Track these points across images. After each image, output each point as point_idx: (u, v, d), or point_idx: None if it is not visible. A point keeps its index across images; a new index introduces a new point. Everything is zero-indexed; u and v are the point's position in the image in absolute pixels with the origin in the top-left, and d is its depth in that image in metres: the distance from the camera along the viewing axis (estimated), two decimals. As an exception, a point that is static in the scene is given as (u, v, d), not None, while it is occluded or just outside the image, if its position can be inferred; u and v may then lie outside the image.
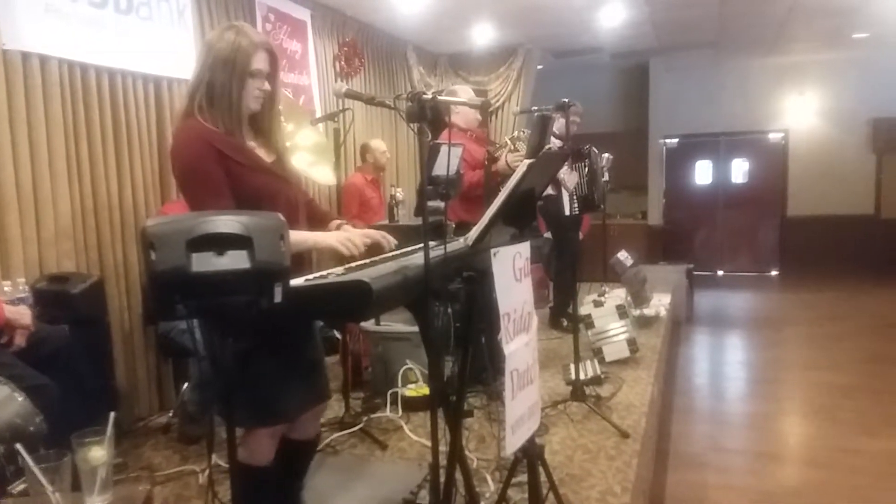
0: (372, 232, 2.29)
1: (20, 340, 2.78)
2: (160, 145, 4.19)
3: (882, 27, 7.87)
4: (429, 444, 3.30)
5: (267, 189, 2.12)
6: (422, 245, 1.89)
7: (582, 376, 4.02)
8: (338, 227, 2.36)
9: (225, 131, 2.07)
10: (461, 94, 4.20)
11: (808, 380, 5.52)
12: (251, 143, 2.19)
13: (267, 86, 2.14)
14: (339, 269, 1.95)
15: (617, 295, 5.21)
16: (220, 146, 2.03)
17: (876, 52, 9.26)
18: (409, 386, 4.02)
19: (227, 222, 1.49)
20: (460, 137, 4.20)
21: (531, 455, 2.27)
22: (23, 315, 2.81)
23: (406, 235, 2.42)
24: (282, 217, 1.62)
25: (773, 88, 10.30)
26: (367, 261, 2.10)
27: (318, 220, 2.38)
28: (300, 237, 2.09)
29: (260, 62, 2.11)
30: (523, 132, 4.20)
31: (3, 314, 2.74)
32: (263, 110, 2.19)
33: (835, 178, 10.07)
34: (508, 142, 4.16)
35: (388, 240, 2.30)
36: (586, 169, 4.95)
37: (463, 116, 4.26)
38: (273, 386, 2.12)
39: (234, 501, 1.75)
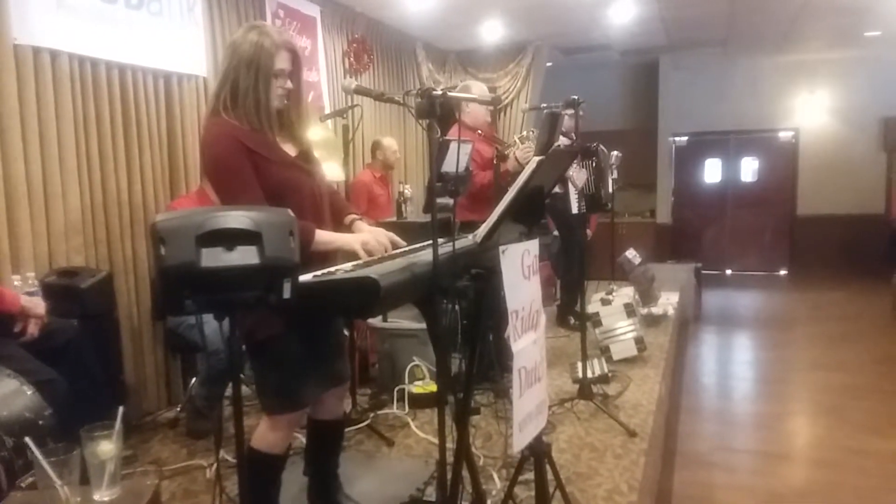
0: (392, 237, 2.31)
1: (33, 329, 2.84)
2: (170, 141, 4.20)
3: (894, 26, 7.81)
4: (435, 440, 3.32)
5: (291, 182, 2.20)
6: (430, 242, 1.89)
7: (589, 374, 4.02)
8: (350, 223, 2.43)
9: (250, 128, 2.15)
10: (474, 90, 4.18)
11: (816, 380, 5.49)
12: (276, 138, 2.26)
13: (290, 84, 2.22)
14: (348, 266, 1.95)
15: (625, 293, 5.19)
16: (245, 141, 2.12)
17: (888, 50, 9.19)
18: (416, 383, 4.03)
19: (236, 218, 1.49)
20: (468, 136, 4.18)
21: (538, 453, 2.26)
22: (37, 305, 2.89)
23: (414, 232, 2.44)
24: (291, 213, 1.63)
25: (783, 87, 10.24)
26: (376, 257, 2.11)
27: (336, 212, 2.45)
28: (329, 237, 2.20)
29: (282, 62, 2.18)
30: (532, 132, 4.19)
31: (19, 302, 2.82)
32: (288, 107, 2.27)
33: (845, 177, 10.01)
34: (517, 140, 4.14)
35: (398, 243, 2.33)
36: (594, 167, 4.93)
37: (472, 115, 4.23)
38: (296, 373, 2.21)
39: (244, 488, 1.77)
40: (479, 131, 4.25)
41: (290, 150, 2.28)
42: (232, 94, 2.15)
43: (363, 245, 2.18)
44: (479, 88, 4.33)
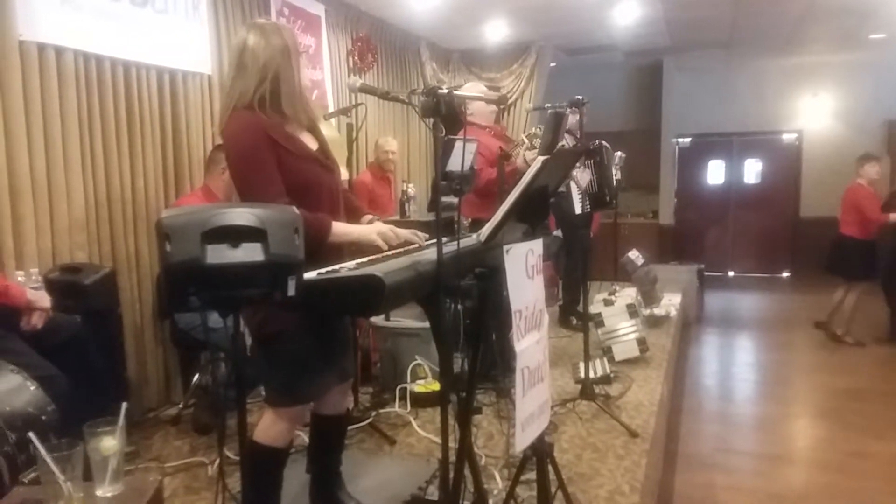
0: (410, 235, 2.32)
1: (37, 321, 2.84)
2: (174, 138, 4.20)
3: (899, 28, 7.81)
4: (437, 439, 3.32)
5: (312, 177, 2.23)
6: (434, 240, 1.89)
7: (591, 375, 4.01)
8: (369, 223, 2.44)
9: (278, 121, 2.18)
10: (473, 91, 4.19)
11: (817, 382, 5.49)
12: (300, 134, 2.30)
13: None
14: (352, 264, 1.95)
15: (627, 294, 5.19)
16: (273, 134, 2.14)
17: (892, 53, 9.17)
18: (418, 382, 4.03)
19: (241, 215, 1.50)
20: (479, 133, 4.18)
21: (540, 453, 2.26)
22: (43, 298, 2.90)
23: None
24: (296, 210, 1.63)
25: (786, 89, 10.23)
26: (380, 255, 2.11)
27: (352, 213, 2.47)
28: (345, 229, 2.22)
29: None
30: (539, 129, 4.17)
31: (25, 296, 2.83)
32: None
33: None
34: (525, 139, 4.13)
35: (420, 237, 2.34)
36: (597, 164, 4.91)
37: (477, 114, 4.23)
38: (304, 368, 2.22)
39: (246, 480, 1.78)
40: (489, 128, 4.25)
41: (311, 144, 2.31)
42: (273, 86, 2.18)
43: (381, 235, 2.18)
44: (478, 89, 4.32)
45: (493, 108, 4.34)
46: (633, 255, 6.19)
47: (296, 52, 2.24)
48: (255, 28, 2.23)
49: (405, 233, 2.31)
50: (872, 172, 6.40)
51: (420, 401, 3.92)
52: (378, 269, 1.72)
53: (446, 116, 1.91)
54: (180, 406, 3.93)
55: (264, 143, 2.11)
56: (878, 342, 6.45)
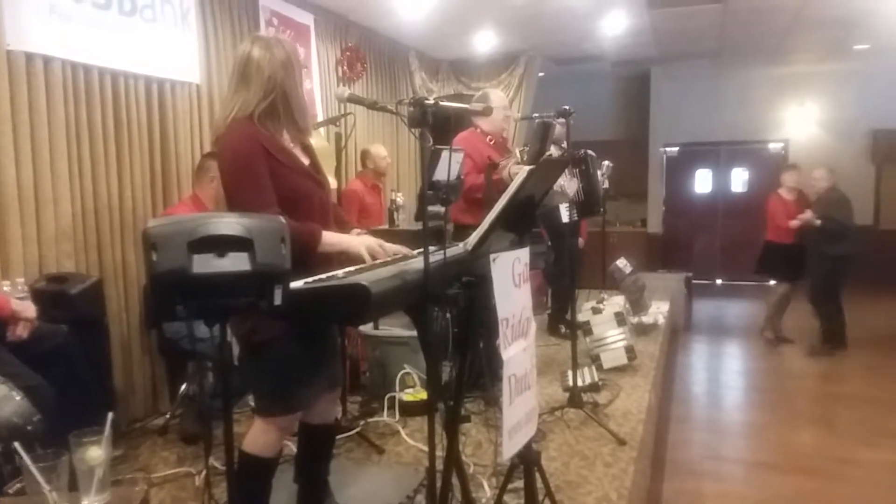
0: (399, 249, 2.34)
1: (22, 331, 2.82)
2: (162, 147, 4.20)
3: (883, 39, 7.90)
4: (425, 448, 3.32)
5: (304, 190, 2.24)
6: (422, 249, 1.90)
7: (579, 383, 4.02)
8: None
9: (276, 133, 2.21)
10: (492, 97, 4.19)
11: (805, 389, 5.52)
12: (293, 148, 2.31)
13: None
14: (340, 272, 1.96)
15: (615, 302, 5.21)
16: (268, 146, 2.15)
17: (877, 63, 9.29)
18: (407, 390, 4.02)
19: (228, 224, 1.50)
20: (475, 139, 4.18)
21: (528, 461, 2.27)
22: (28, 308, 2.87)
23: (406, 240, 2.44)
24: (283, 220, 1.64)
25: (773, 98, 10.32)
26: (367, 264, 2.12)
27: (341, 226, 2.49)
28: (335, 239, 2.23)
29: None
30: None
31: (10, 306, 2.81)
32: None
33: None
34: (518, 154, 4.15)
35: (408, 254, 2.35)
36: (583, 172, 4.92)
37: (490, 122, 4.24)
38: (293, 376, 2.22)
39: (233, 495, 1.77)
40: (491, 137, 4.26)
41: (303, 158, 2.32)
42: (283, 100, 2.19)
43: (368, 249, 2.19)
44: (497, 97, 4.33)
45: (503, 117, 4.33)
46: (622, 263, 6.22)
47: (298, 65, 2.25)
48: (258, 41, 2.24)
49: (393, 248, 2.32)
50: (789, 181, 6.96)
51: (408, 409, 3.92)
52: (364, 278, 1.73)
53: (434, 126, 1.92)
54: (167, 416, 3.91)
55: (259, 153, 2.12)
56: (812, 349, 6.55)
